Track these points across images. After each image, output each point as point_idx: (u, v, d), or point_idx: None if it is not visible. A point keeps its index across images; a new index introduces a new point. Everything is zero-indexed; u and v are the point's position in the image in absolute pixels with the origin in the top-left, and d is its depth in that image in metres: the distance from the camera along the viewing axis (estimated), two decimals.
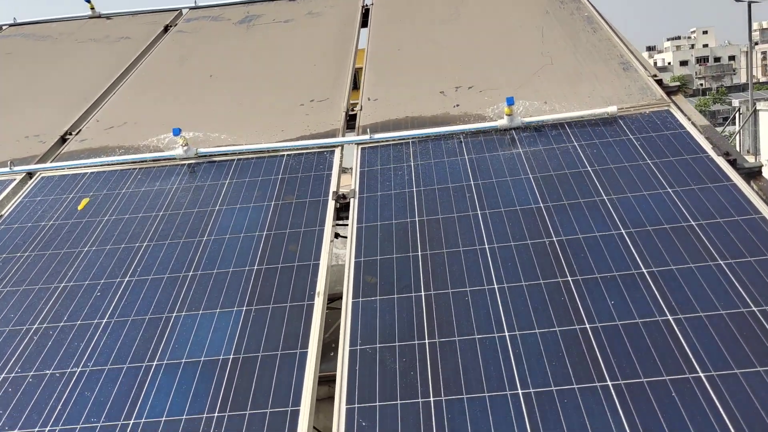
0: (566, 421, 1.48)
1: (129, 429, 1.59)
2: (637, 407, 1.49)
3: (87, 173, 2.74)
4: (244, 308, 1.93)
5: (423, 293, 1.91)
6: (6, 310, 2.02)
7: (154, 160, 2.77)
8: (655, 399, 1.50)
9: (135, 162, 2.77)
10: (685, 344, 1.62)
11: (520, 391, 1.57)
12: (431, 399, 1.58)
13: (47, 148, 2.97)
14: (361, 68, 3.43)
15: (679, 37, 72.51)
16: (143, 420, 1.61)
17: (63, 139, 3.07)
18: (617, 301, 1.78)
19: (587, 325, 1.72)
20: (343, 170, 2.63)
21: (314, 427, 2.31)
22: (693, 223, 2.01)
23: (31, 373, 1.79)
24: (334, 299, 2.27)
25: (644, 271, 1.86)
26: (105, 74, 3.68)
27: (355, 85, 3.35)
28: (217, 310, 1.94)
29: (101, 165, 2.77)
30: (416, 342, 1.75)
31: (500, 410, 1.52)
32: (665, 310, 1.73)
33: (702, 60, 62.09)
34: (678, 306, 1.73)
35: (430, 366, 1.67)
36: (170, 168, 2.71)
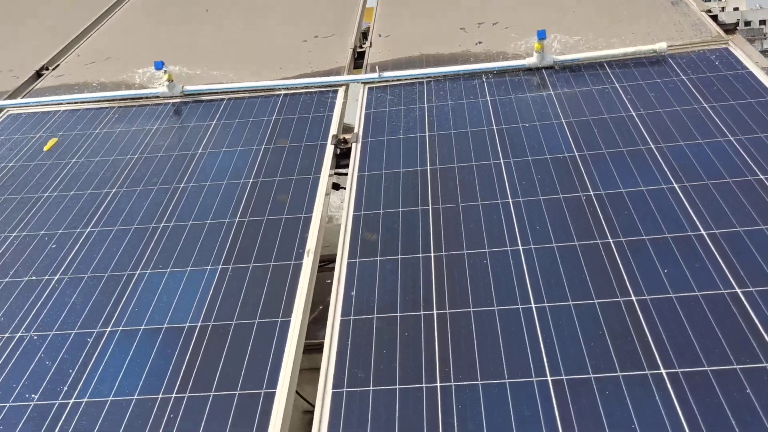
0: (607, 416, 1.17)
1: (67, 411, 1.30)
2: (699, 402, 1.17)
3: (59, 111, 2.43)
4: (220, 267, 1.63)
5: (433, 254, 1.59)
6: None
7: (134, 98, 2.45)
8: (723, 392, 1.18)
9: (113, 99, 2.45)
10: (759, 325, 1.29)
11: (549, 378, 1.25)
12: (438, 384, 1.27)
13: (19, 84, 2.66)
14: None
15: (709, 0, 70.38)
16: (85, 400, 1.32)
17: (38, 75, 2.76)
18: (671, 270, 1.45)
19: (633, 298, 1.40)
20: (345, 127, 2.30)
21: (307, 401, 2.03)
22: (762, 176, 1.66)
23: None
24: (328, 261, 1.96)
25: (704, 233, 1.53)
26: (91, 7, 3.34)
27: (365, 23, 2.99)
28: (188, 268, 1.63)
29: (74, 102, 2.46)
30: (422, 313, 1.43)
31: (524, 401, 1.21)
32: (732, 281, 1.39)
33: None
34: (748, 277, 1.40)
35: (439, 343, 1.35)
36: (152, 108, 2.39)
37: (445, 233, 1.65)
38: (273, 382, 1.31)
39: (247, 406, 1.27)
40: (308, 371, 1.97)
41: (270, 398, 1.28)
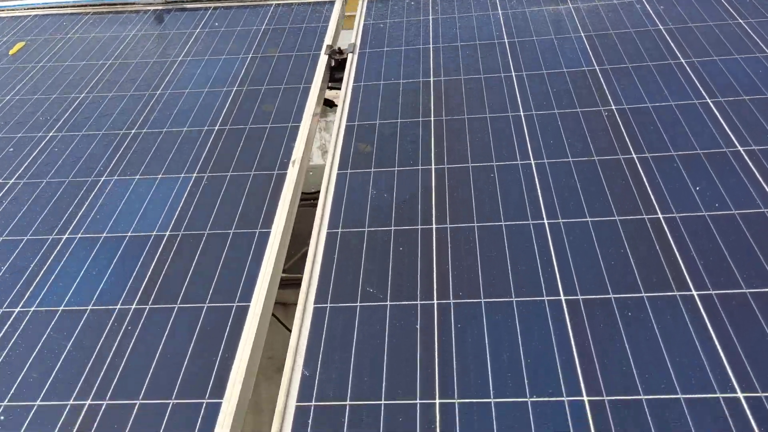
0: (630, 338, 1.01)
1: (11, 320, 1.14)
2: (736, 326, 1.01)
3: (29, 16, 2.22)
4: (194, 175, 1.45)
5: (434, 167, 1.41)
6: None
7: (112, 4, 2.24)
8: (764, 316, 1.02)
9: (89, 5, 2.25)
10: None
11: (562, 297, 1.09)
12: (434, 302, 1.11)
13: None
14: None
15: None
16: (32, 309, 1.16)
17: None
18: (704, 187, 1.27)
19: (660, 215, 1.23)
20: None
21: (284, 325, 1.87)
22: None
23: None
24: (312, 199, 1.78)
25: (741, 149, 1.35)
26: None
27: None
28: (159, 176, 1.46)
29: (46, 7, 2.25)
30: (419, 227, 1.27)
31: (533, 320, 1.05)
32: None
33: None
34: None
35: (437, 259, 1.19)
36: (130, 14, 2.19)
37: (449, 146, 1.47)
38: (247, 296, 1.15)
39: (217, 320, 1.11)
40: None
41: (242, 313, 1.12)
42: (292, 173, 1.44)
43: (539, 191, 1.31)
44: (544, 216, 1.26)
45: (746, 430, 0.88)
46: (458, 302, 1.10)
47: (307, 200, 1.81)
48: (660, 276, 1.11)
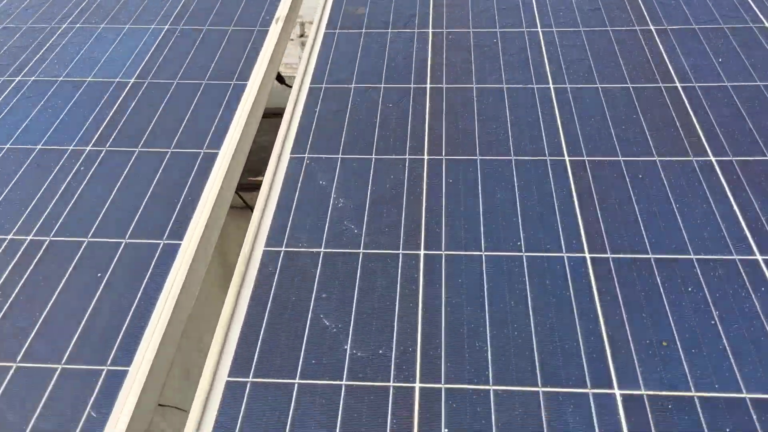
0: (639, 200, 0.90)
1: None
2: (757, 193, 0.91)
3: None
4: (167, 27, 1.31)
5: (431, 30, 1.28)
6: None
7: None
8: None
9: None
10: None
11: (566, 158, 0.98)
12: (425, 157, 1.00)
13: None
14: None
15: None
16: None
17: None
18: (726, 59, 1.16)
19: (678, 84, 1.11)
20: None
21: (246, 203, 1.76)
22: None
23: None
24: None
25: (767, 25, 1.23)
26: None
27: None
28: (127, 26, 1.32)
29: None
30: (412, 86, 1.14)
31: (532, 177, 0.94)
32: None
33: None
34: None
35: (430, 117, 1.07)
36: None
37: (449, 10, 1.33)
38: (216, 143, 1.03)
39: (182, 164, 0.99)
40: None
41: (210, 159, 1.00)
42: (274, 30, 1.30)
43: (545, 56, 1.19)
44: (550, 80, 1.14)
45: (766, 290, 0.79)
46: (451, 158, 0.99)
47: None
48: (676, 142, 1.00)
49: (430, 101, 1.10)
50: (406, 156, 1.00)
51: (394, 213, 0.90)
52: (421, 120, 1.07)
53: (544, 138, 1.02)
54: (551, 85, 1.12)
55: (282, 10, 1.36)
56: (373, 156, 1.00)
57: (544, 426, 0.66)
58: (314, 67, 1.19)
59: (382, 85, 1.15)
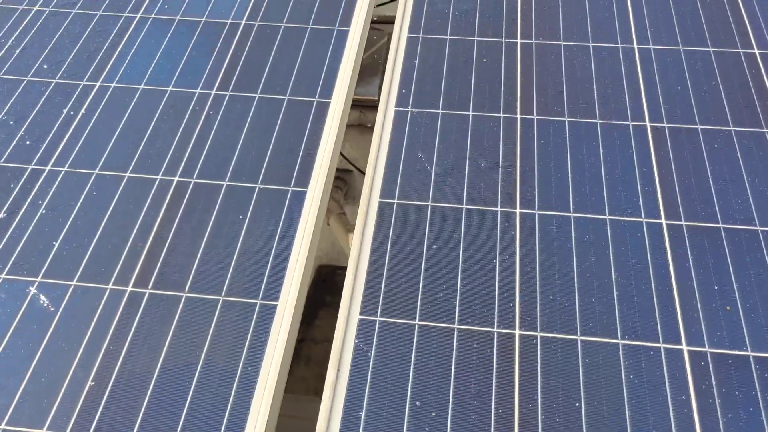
0: (713, 169, 1.01)
1: (93, 93, 1.15)
2: None
3: None
4: None
5: None
6: None
7: None
8: None
9: None
10: None
11: (648, 124, 1.08)
12: (518, 116, 1.10)
13: None
14: None
15: None
16: (113, 84, 1.16)
17: None
18: None
19: (757, 51, 1.18)
20: None
21: (348, 160, 1.89)
22: None
23: None
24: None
25: None
26: None
27: None
28: None
29: None
30: (504, 40, 1.22)
31: (615, 141, 1.05)
32: None
33: None
34: None
35: (522, 74, 1.16)
36: None
37: None
38: (327, 92, 1.14)
39: (297, 112, 1.11)
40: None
41: (323, 109, 1.12)
42: None
43: (631, 16, 1.25)
44: (635, 41, 1.21)
45: None
46: (541, 118, 1.09)
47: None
48: (750, 113, 1.09)
49: (522, 58, 1.19)
50: (501, 114, 1.10)
51: (492, 175, 1.02)
52: (512, 77, 1.16)
53: (627, 101, 1.11)
54: (635, 46, 1.20)
55: None
56: (471, 113, 1.11)
57: (622, 373, 0.81)
58: (410, 20, 1.27)
59: (475, 38, 1.23)
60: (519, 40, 1.22)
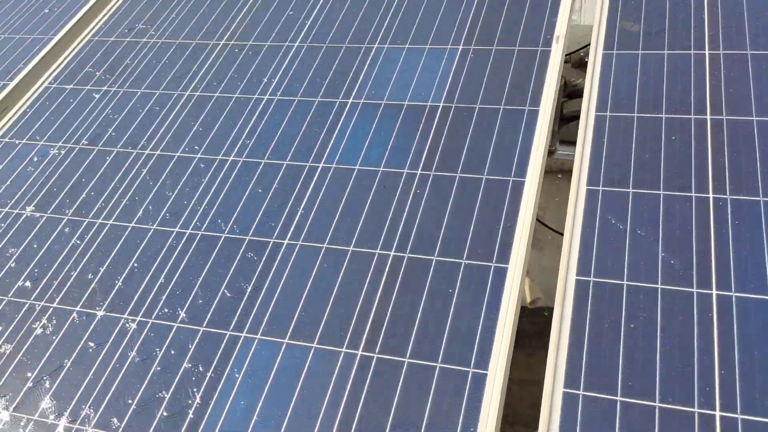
0: None
1: (318, 173, 1.34)
2: None
3: None
4: (461, 47, 1.53)
5: (708, 51, 1.38)
6: (188, 23, 1.78)
7: None
8: None
9: None
10: None
11: None
12: (710, 195, 1.15)
13: None
14: None
15: None
16: (334, 165, 1.35)
17: None
18: None
19: None
20: None
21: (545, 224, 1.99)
22: None
23: (216, 94, 1.56)
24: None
25: None
26: None
27: None
28: (427, 46, 1.55)
29: None
30: (693, 117, 1.27)
31: None
32: None
33: None
34: None
35: (713, 151, 1.20)
36: None
37: (724, 25, 1.41)
38: (521, 171, 1.25)
39: (495, 190, 1.23)
40: None
41: (519, 187, 1.23)
42: (555, 50, 1.47)
43: None
44: None
45: None
46: (735, 198, 1.13)
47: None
48: None
49: (712, 135, 1.23)
50: (692, 194, 1.15)
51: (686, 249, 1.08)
52: (703, 154, 1.20)
53: None
54: None
55: (560, 29, 1.51)
56: (661, 192, 1.17)
57: None
58: (597, 98, 1.35)
59: (663, 116, 1.29)
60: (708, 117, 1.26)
